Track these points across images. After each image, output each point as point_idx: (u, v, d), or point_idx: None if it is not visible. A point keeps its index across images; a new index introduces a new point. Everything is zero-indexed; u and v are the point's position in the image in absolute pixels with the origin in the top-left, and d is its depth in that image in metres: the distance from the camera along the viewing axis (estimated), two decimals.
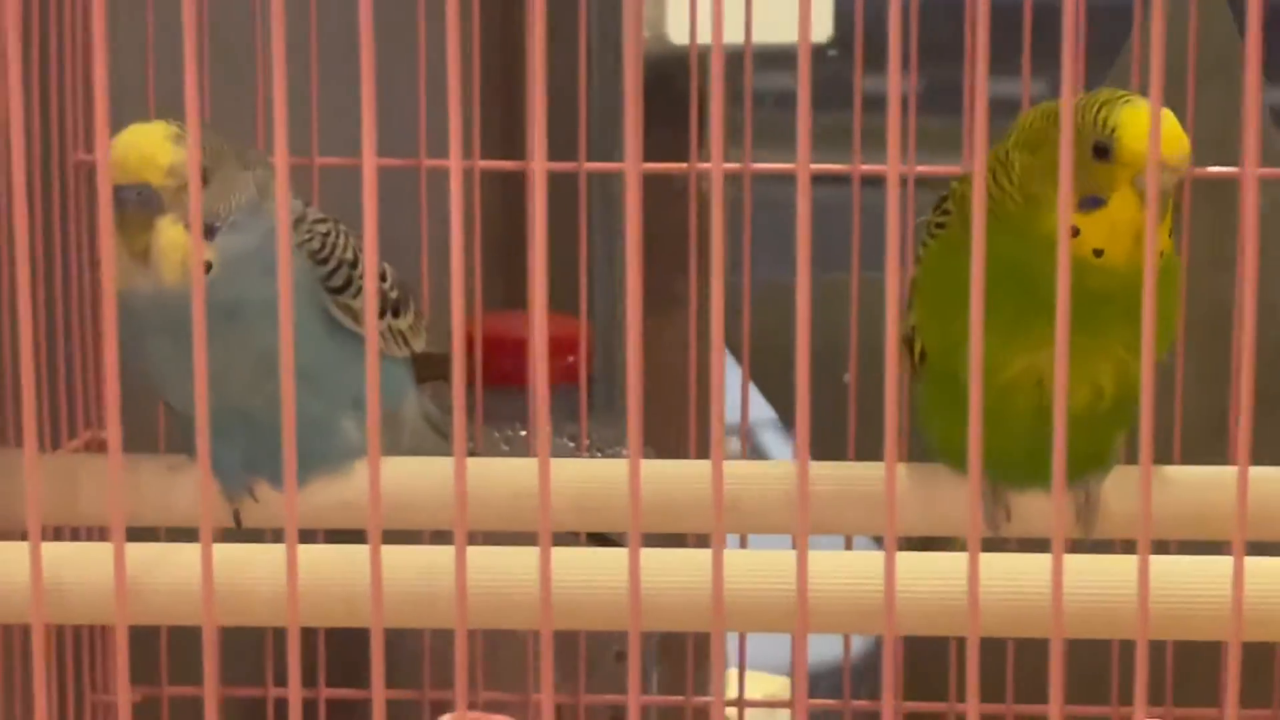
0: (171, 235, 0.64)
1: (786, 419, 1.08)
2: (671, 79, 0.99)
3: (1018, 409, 0.67)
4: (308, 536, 0.66)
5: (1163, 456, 0.78)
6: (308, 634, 0.83)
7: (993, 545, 0.65)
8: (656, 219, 0.89)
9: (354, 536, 0.58)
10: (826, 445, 0.82)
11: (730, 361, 0.84)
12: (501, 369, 0.88)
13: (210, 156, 0.66)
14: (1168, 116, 0.63)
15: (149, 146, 0.64)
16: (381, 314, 0.71)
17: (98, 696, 0.85)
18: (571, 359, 0.90)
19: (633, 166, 0.47)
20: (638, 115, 0.44)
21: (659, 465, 0.69)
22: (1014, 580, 0.58)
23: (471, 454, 0.81)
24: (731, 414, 0.81)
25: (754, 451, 0.91)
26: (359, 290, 0.69)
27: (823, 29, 0.89)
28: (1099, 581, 0.59)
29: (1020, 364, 0.66)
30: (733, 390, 0.77)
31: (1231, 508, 0.61)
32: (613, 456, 0.92)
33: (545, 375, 0.49)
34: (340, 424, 0.67)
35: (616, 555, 0.59)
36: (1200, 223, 0.90)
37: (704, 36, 0.86)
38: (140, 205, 0.64)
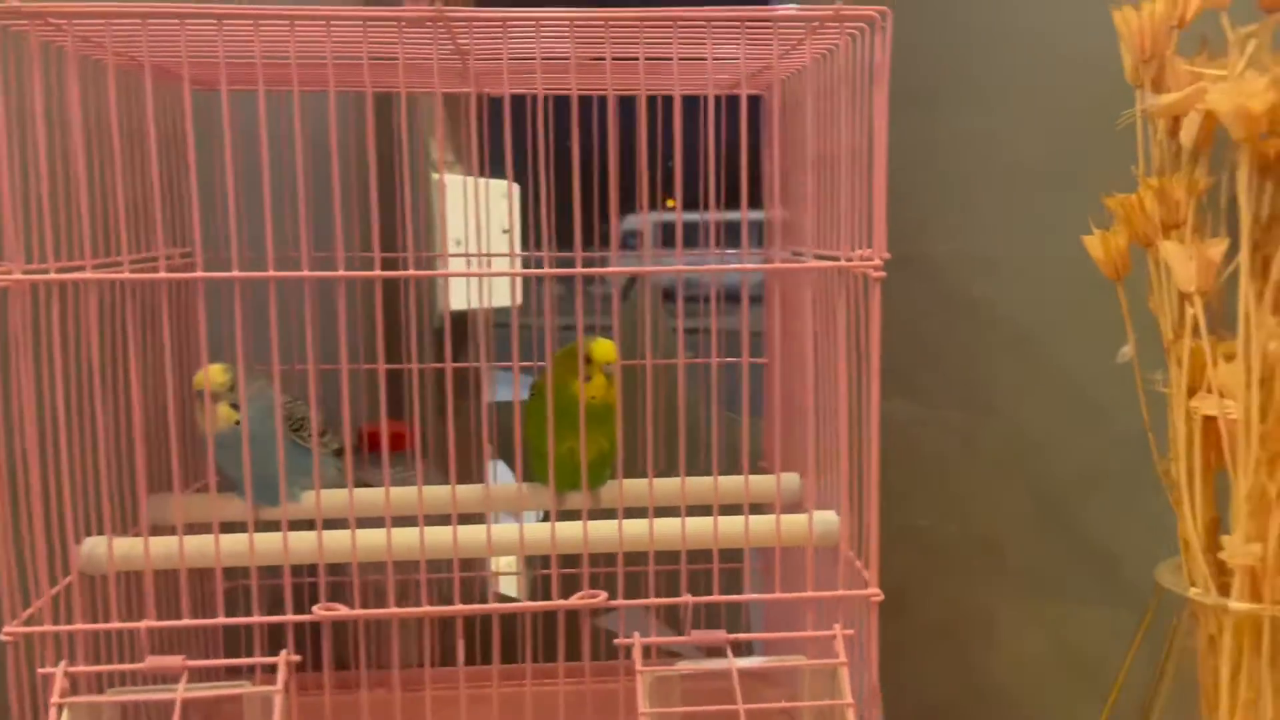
0: (225, 411, 1.30)
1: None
2: None
3: (564, 460, 1.33)
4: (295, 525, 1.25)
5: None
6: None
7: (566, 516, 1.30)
8: None
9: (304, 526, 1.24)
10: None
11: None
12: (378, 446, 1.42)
13: (237, 375, 1.29)
14: (607, 342, 1.31)
15: (215, 375, 1.29)
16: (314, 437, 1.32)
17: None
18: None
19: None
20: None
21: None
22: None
23: (363, 484, 1.35)
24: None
25: None
26: (309, 433, 1.35)
27: None
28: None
29: (565, 444, 1.31)
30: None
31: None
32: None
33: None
34: (295, 483, 1.30)
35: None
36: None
37: None
38: (215, 397, 1.29)
